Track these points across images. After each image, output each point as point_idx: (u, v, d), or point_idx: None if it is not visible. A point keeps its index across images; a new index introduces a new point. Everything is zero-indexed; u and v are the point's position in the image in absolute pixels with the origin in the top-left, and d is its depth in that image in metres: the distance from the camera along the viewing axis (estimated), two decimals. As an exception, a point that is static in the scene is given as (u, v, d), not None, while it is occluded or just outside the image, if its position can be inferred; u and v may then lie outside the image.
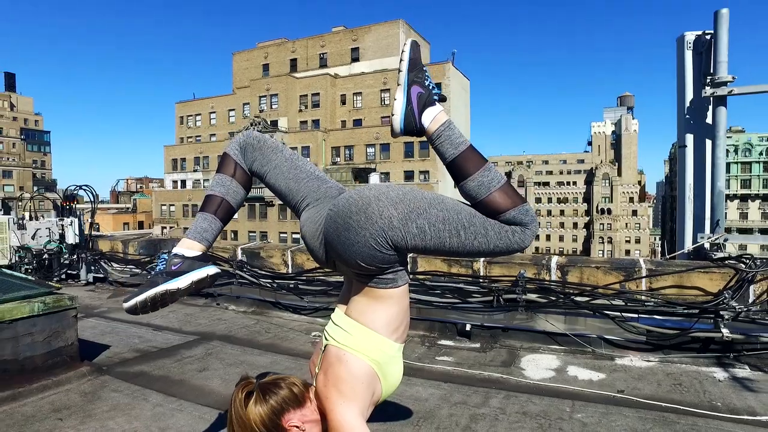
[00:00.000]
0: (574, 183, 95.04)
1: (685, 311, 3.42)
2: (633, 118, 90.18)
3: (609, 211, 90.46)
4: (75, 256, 6.23)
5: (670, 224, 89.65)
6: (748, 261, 3.32)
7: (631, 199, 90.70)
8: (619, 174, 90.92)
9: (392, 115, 1.40)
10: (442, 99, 1.41)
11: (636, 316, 3.58)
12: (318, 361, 1.46)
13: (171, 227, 47.31)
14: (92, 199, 6.34)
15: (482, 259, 4.16)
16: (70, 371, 3.08)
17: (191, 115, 54.45)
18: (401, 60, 1.42)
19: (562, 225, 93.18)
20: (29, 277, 3.39)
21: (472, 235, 1.31)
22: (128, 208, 58.54)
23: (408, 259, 1.43)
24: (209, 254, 1.64)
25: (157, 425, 2.45)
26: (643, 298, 3.59)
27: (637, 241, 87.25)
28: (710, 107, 3.82)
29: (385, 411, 2.58)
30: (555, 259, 3.97)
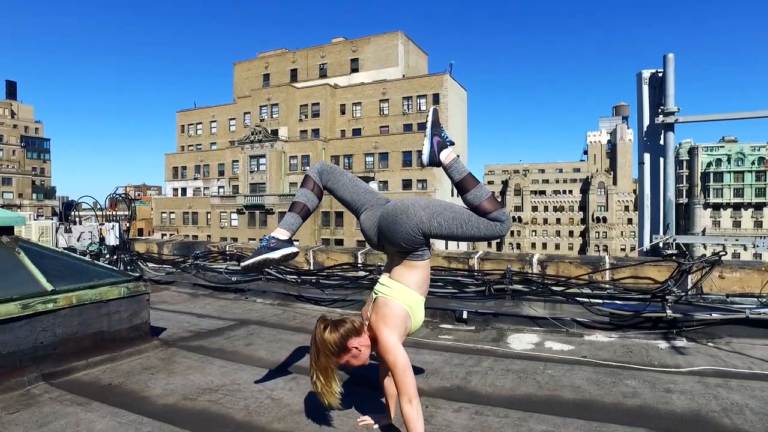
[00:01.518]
0: (570, 191, 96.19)
1: (640, 296, 4.23)
2: (628, 128, 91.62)
3: (605, 219, 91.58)
4: (114, 257, 7.00)
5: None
6: (686, 256, 4.15)
7: (627, 208, 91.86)
8: (615, 183, 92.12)
9: (423, 154, 2.26)
10: (452, 143, 2.26)
11: (601, 301, 4.39)
12: (369, 309, 2.27)
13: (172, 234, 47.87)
14: (129, 206, 7.14)
15: (476, 256, 4.97)
16: (146, 343, 3.86)
17: (192, 124, 55.36)
18: (427, 120, 2.28)
19: (558, 233, 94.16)
20: (113, 267, 4.18)
21: (470, 227, 2.14)
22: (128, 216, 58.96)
23: (430, 243, 2.26)
24: (291, 238, 2.43)
25: (226, 378, 3.23)
26: (607, 286, 4.41)
27: (632, 249, 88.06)
28: (662, 131, 4.66)
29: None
30: (536, 255, 4.79)
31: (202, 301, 5.85)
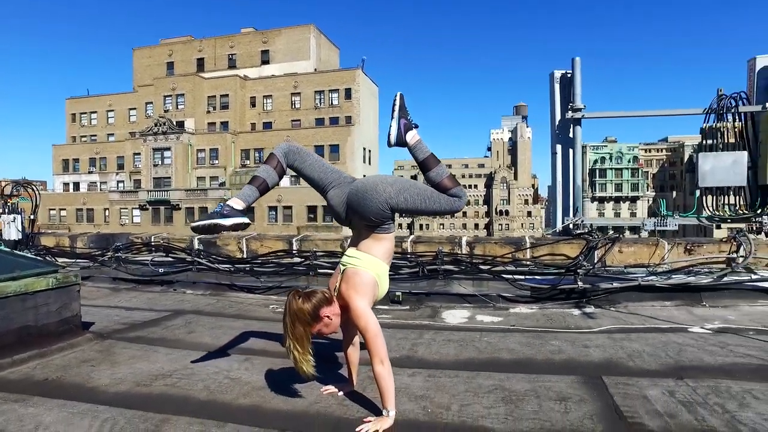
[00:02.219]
0: (476, 186, 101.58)
1: (556, 272, 4.77)
2: (527, 126, 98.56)
3: (507, 213, 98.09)
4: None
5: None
6: (593, 235, 4.75)
7: (526, 201, 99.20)
8: (516, 178, 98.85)
9: (390, 134, 2.43)
10: (416, 126, 2.46)
11: (523, 277, 4.88)
12: (338, 280, 2.40)
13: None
14: (35, 196, 6.50)
15: (409, 239, 5.25)
16: (78, 337, 3.64)
17: (85, 113, 50.48)
18: (395, 103, 2.45)
19: (464, 226, 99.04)
20: (37, 257, 3.86)
21: (432, 202, 2.36)
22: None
23: (395, 217, 2.44)
24: (245, 209, 2.48)
25: (177, 364, 3.17)
26: (528, 264, 4.90)
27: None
28: (572, 126, 5.26)
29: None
30: (464, 238, 5.18)
31: (127, 294, 5.54)
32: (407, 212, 2.42)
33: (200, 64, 49.34)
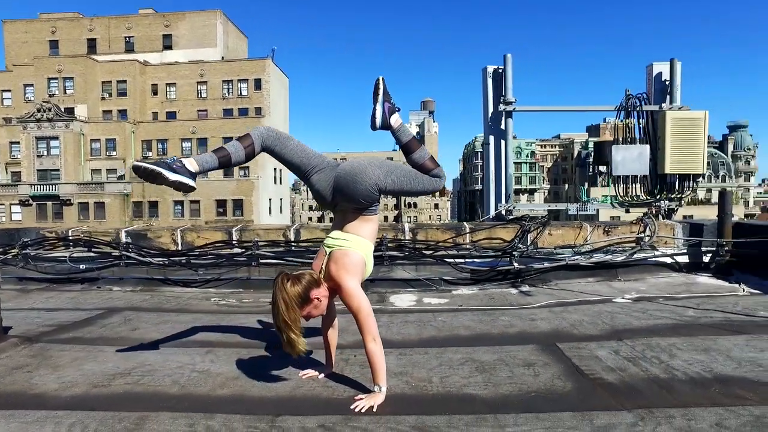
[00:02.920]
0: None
1: (493, 254, 5.10)
2: (434, 121, 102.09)
3: (415, 205, 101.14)
4: None
5: (466, 216, 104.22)
6: (526, 219, 5.15)
7: (433, 194, 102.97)
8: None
9: (375, 117, 2.47)
10: (398, 109, 2.53)
11: (464, 261, 5.15)
12: (323, 262, 2.41)
13: None
14: None
15: (355, 228, 5.32)
16: (1, 342, 3.25)
17: (-56, 95, 43.68)
18: (379, 89, 2.49)
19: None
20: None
21: (417, 183, 2.46)
22: None
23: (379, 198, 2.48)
24: (196, 174, 2.28)
25: (132, 362, 2.96)
26: (468, 247, 5.18)
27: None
28: (503, 118, 5.62)
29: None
30: (407, 225, 5.34)
31: (41, 295, 4.99)
32: (393, 193, 2.49)
33: (92, 45, 44.78)
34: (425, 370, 2.73)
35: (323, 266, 2.42)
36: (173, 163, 2.23)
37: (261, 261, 5.09)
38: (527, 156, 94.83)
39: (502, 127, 5.66)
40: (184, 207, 39.31)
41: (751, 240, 4.69)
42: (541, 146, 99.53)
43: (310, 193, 2.61)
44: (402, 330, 3.62)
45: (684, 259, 5.13)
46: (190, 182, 2.26)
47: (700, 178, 5.35)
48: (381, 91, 2.52)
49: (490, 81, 5.66)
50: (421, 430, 2.03)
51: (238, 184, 38.69)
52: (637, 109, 5.45)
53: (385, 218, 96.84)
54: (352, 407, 2.23)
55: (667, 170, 5.24)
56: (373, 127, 2.53)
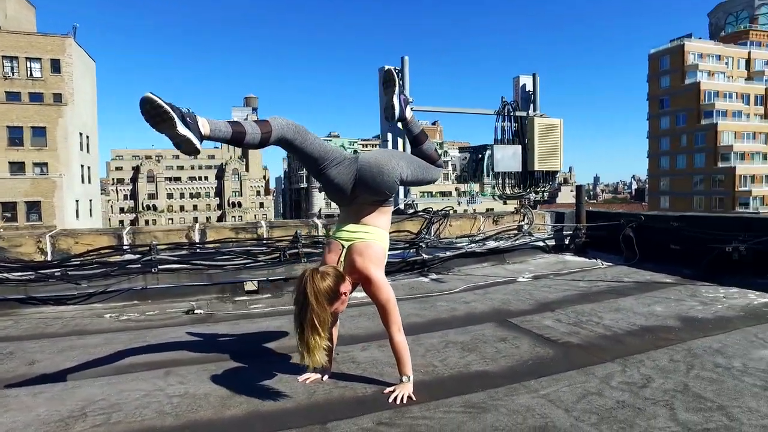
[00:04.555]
0: (206, 178, 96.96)
1: (403, 246, 5.35)
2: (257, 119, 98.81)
3: (240, 204, 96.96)
4: None
5: (292, 214, 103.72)
6: (430, 212, 5.54)
7: (258, 193, 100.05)
8: (247, 170, 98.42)
9: (394, 110, 2.47)
10: (411, 101, 2.56)
11: (375, 254, 5.28)
12: (340, 257, 2.31)
13: None
14: None
15: (264, 224, 5.02)
16: None
17: None
18: (395, 80, 2.51)
19: (196, 220, 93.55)
20: None
21: (427, 173, 2.54)
22: None
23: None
24: (203, 136, 1.93)
25: (74, 402, 2.38)
26: (378, 241, 5.33)
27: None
28: (401, 116, 5.91)
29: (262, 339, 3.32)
30: (320, 221, 5.26)
31: None
32: (409, 184, 2.51)
33: None
34: (419, 357, 2.81)
35: (341, 260, 2.33)
36: (186, 117, 1.87)
37: (161, 267, 4.46)
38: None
39: (400, 125, 5.93)
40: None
41: (600, 224, 5.87)
42: (363, 146, 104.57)
43: (319, 187, 2.43)
44: (359, 324, 3.60)
45: (552, 242, 6.14)
46: (198, 144, 1.90)
47: (557, 175, 6.47)
48: (397, 83, 2.52)
49: (387, 80, 5.88)
50: (473, 407, 2.14)
51: (33, 184, 31.43)
52: (511, 114, 6.30)
53: (207, 219, 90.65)
54: (390, 400, 2.22)
55: (536, 168, 6.19)
56: (392, 119, 2.53)
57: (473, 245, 5.66)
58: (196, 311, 4.06)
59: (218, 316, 3.96)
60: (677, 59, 57.81)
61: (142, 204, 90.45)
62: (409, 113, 2.60)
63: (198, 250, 4.65)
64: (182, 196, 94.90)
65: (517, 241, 5.88)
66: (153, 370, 2.72)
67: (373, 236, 2.36)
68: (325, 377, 2.53)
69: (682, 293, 4.03)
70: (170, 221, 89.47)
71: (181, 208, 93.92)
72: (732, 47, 60.25)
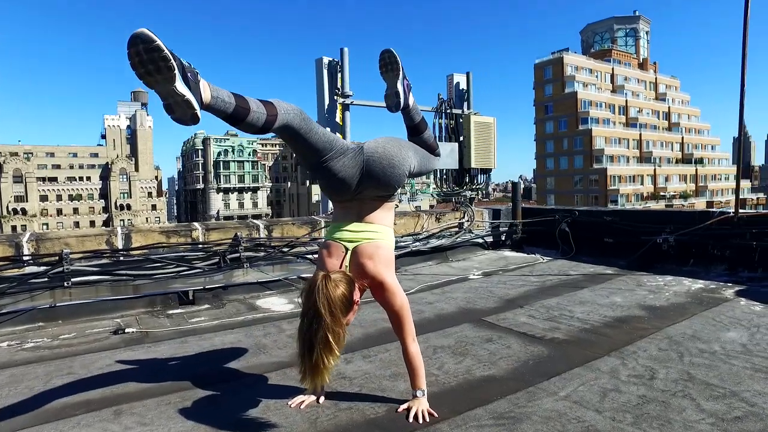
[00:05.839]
0: (89, 178, 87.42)
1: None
2: (148, 115, 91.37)
3: (129, 207, 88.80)
4: None
5: (187, 216, 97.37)
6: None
7: (150, 194, 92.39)
8: (137, 169, 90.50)
9: (398, 97, 2.27)
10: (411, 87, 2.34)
11: (322, 256, 4.95)
12: (345, 261, 2.01)
13: None
14: None
15: (200, 227, 4.46)
16: None
17: None
18: (398, 64, 2.28)
19: (77, 224, 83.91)
20: None
21: (429, 163, 2.36)
22: None
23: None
24: (202, 102, 1.53)
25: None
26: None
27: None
28: (343, 111, 5.63)
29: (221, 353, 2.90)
30: (261, 223, 4.80)
31: None
32: (414, 175, 2.27)
33: None
34: (414, 366, 2.59)
35: (346, 264, 2.03)
36: (189, 69, 1.46)
37: (74, 280, 3.74)
38: (249, 154, 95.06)
39: (337, 120, 5.65)
40: None
41: (537, 220, 6.08)
42: (263, 145, 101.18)
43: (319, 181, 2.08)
44: (326, 333, 3.28)
45: (490, 239, 6.23)
46: (198, 108, 1.47)
47: (491, 173, 6.60)
48: (401, 68, 2.27)
49: (325, 73, 5.55)
50: (502, 417, 1.98)
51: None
52: (447, 111, 6.29)
53: (92, 223, 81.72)
54: (411, 420, 1.98)
55: (472, 165, 6.24)
56: (396, 108, 2.28)
57: (417, 243, 5.55)
58: (126, 330, 3.44)
59: (156, 335, 3.39)
60: (558, 69, 63.74)
61: (7, 207, 79.13)
62: (411, 100, 2.37)
63: (122, 259, 3.98)
64: (59, 198, 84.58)
65: (459, 239, 5.88)
66: (96, 411, 2.19)
67: (380, 235, 2.10)
68: (321, 399, 2.22)
69: (629, 283, 4.26)
70: (44, 226, 79.37)
71: (59, 212, 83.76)
72: (600, 63, 68.02)
